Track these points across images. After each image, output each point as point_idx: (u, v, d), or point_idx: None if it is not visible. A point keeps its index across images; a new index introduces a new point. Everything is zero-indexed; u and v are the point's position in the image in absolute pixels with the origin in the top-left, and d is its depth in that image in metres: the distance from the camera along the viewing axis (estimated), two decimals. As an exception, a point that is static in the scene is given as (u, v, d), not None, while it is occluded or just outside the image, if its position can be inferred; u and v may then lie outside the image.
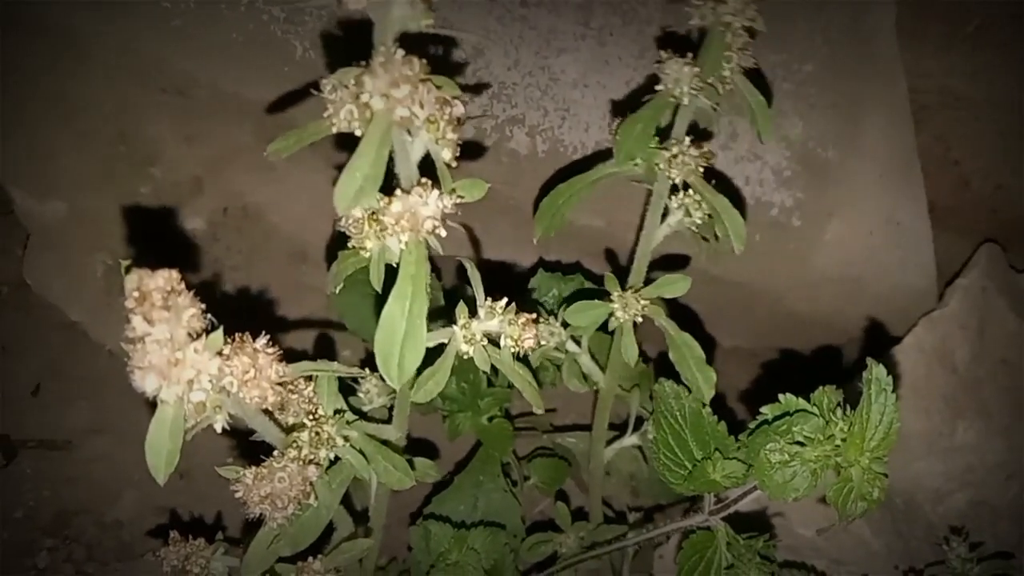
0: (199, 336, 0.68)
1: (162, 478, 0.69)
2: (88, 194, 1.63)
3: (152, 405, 1.72)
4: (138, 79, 1.50)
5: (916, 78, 1.68)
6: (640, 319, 1.14)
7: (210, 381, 0.68)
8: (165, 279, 0.64)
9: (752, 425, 0.93)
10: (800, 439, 0.87)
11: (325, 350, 1.61)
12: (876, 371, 0.87)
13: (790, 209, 1.56)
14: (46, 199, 1.63)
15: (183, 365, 0.66)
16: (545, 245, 1.67)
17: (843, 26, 1.56)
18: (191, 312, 0.66)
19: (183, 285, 0.66)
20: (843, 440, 0.86)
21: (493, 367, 1.42)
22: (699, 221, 1.11)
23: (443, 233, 0.79)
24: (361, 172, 0.70)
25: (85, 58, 1.49)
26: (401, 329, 0.77)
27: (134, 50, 1.45)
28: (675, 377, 1.14)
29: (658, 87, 1.05)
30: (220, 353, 0.69)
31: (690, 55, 1.04)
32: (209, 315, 0.68)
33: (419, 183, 0.79)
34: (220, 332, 0.69)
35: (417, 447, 1.09)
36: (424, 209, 0.77)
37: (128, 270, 0.64)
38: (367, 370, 1.14)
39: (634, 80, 1.49)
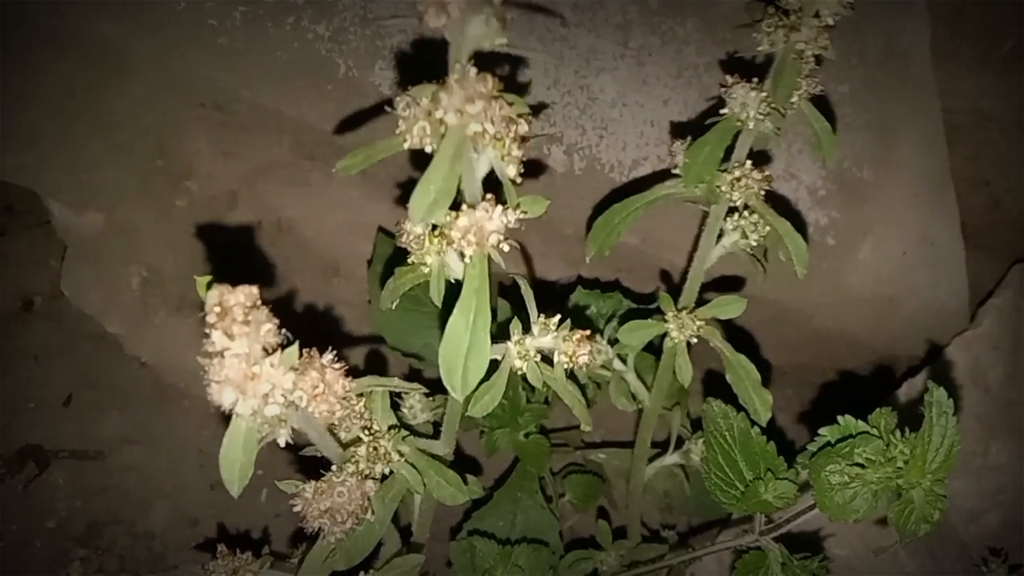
0: (274, 351, 0.68)
1: (236, 490, 0.69)
2: (125, 207, 1.64)
3: (182, 417, 1.72)
4: (179, 94, 1.52)
5: (949, 98, 1.68)
6: (695, 340, 1.14)
7: (283, 395, 0.69)
8: (246, 294, 0.64)
9: (811, 447, 0.93)
10: (860, 461, 0.87)
11: (372, 365, 1.61)
12: (937, 394, 0.87)
13: (825, 228, 1.57)
14: (84, 211, 1.63)
15: (259, 379, 0.66)
16: (575, 260, 1.68)
17: (878, 47, 1.57)
18: (268, 327, 0.67)
19: (260, 300, 0.67)
20: (905, 462, 0.86)
21: (531, 385, 1.43)
22: (754, 243, 1.11)
23: (506, 248, 0.80)
24: (435, 186, 0.71)
25: (126, 72, 1.50)
26: (465, 342, 0.78)
27: (176, 66, 1.46)
28: (721, 396, 1.14)
29: (723, 111, 1.06)
30: (293, 368, 0.70)
31: (756, 80, 1.05)
32: (284, 330, 0.69)
33: (484, 198, 0.80)
34: (295, 347, 0.69)
35: (459, 462, 1.09)
36: (489, 224, 0.79)
37: (209, 286, 0.64)
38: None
39: (671, 99, 1.49)
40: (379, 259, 1.56)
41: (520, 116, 0.78)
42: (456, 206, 0.80)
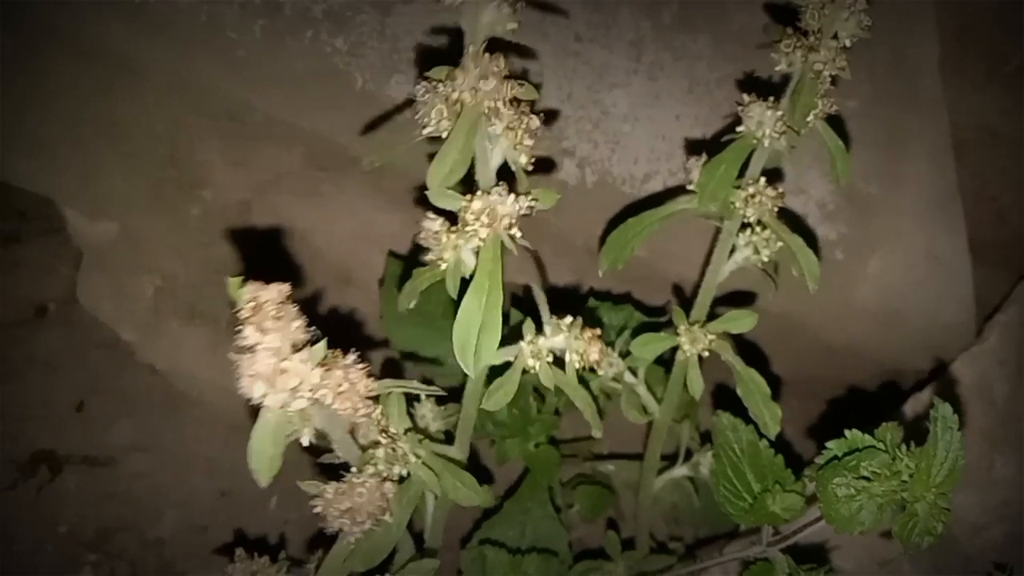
0: (302, 347, 0.70)
1: (264, 481, 0.71)
2: (138, 215, 1.65)
3: (193, 425, 1.72)
4: (193, 105, 1.53)
5: (956, 114, 1.70)
6: (706, 353, 1.16)
7: (310, 390, 0.70)
8: (278, 291, 0.66)
9: (819, 460, 0.94)
10: (866, 474, 0.89)
11: (389, 373, 1.62)
12: (942, 409, 0.88)
13: (833, 243, 1.58)
14: (98, 219, 1.65)
15: (288, 374, 0.68)
16: (584, 271, 1.69)
17: (887, 63, 1.59)
18: (297, 323, 0.68)
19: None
20: (910, 476, 0.88)
21: (541, 395, 1.44)
22: (766, 259, 1.13)
23: (518, 233, 0.86)
24: (451, 158, 0.79)
25: (139, 80, 1.51)
26: (478, 320, 0.83)
27: (192, 77, 1.48)
28: (731, 409, 1.15)
29: (739, 129, 1.08)
30: (321, 364, 0.71)
31: (771, 99, 1.07)
32: (313, 327, 0.70)
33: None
34: (323, 344, 0.71)
35: (471, 471, 1.10)
36: (502, 207, 0.85)
37: (242, 284, 0.66)
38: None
39: (683, 114, 1.51)
40: (391, 278, 1.57)
41: (528, 103, 0.87)
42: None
